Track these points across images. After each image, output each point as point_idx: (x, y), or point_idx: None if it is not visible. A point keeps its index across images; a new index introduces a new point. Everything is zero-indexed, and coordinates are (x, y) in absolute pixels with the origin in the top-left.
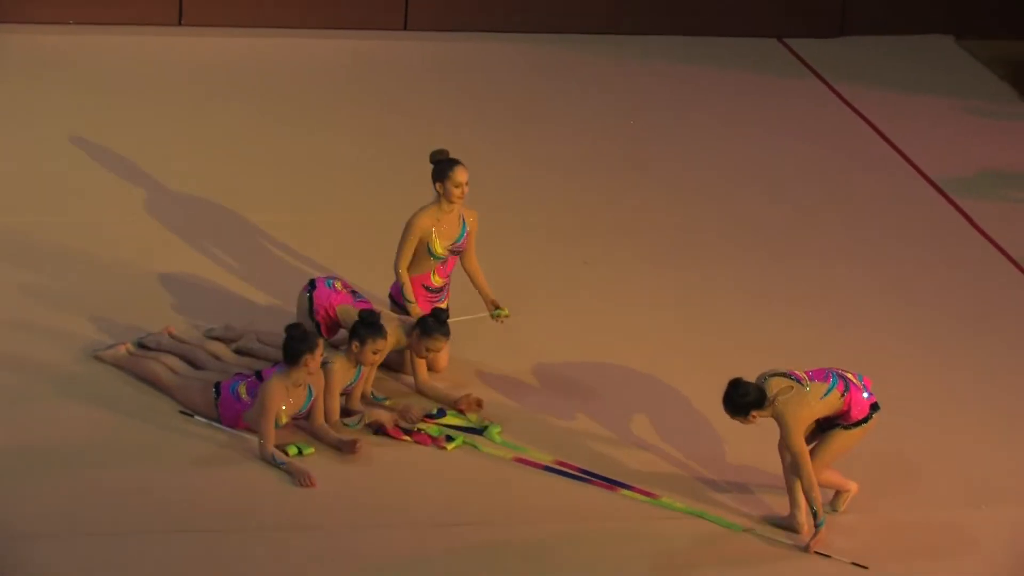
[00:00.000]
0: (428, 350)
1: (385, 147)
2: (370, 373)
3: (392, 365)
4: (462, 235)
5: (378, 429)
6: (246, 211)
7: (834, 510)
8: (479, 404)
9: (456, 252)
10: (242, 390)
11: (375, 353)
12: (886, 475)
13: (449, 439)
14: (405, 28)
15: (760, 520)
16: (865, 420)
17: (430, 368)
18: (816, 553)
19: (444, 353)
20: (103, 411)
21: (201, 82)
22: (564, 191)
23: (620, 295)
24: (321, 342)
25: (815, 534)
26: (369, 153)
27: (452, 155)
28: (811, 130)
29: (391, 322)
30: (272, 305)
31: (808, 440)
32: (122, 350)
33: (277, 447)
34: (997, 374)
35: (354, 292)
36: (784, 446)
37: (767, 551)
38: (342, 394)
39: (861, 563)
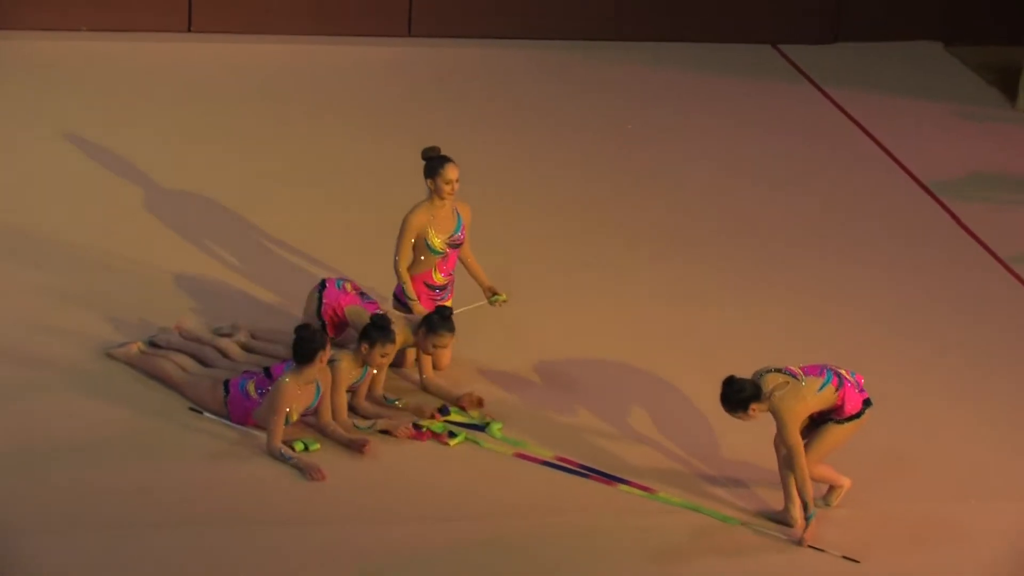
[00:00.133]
0: (435, 346)
1: (389, 150)
2: (379, 374)
3: (394, 361)
4: (458, 228)
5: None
6: (255, 213)
7: (827, 505)
8: (480, 402)
9: (455, 245)
10: (251, 388)
11: (383, 356)
12: (878, 469)
13: (452, 435)
14: (409, 35)
15: (755, 514)
16: (858, 415)
17: (433, 366)
18: (809, 547)
19: (447, 351)
20: (115, 407)
21: (210, 87)
22: (565, 192)
23: (619, 294)
24: (328, 339)
25: (806, 527)
26: (374, 156)
27: (453, 155)
28: (805, 133)
29: (398, 322)
30: (279, 304)
31: (802, 435)
32: (134, 348)
33: (284, 443)
34: (987, 370)
35: (363, 293)
36: (780, 441)
37: (761, 544)
38: (347, 391)
39: (853, 557)
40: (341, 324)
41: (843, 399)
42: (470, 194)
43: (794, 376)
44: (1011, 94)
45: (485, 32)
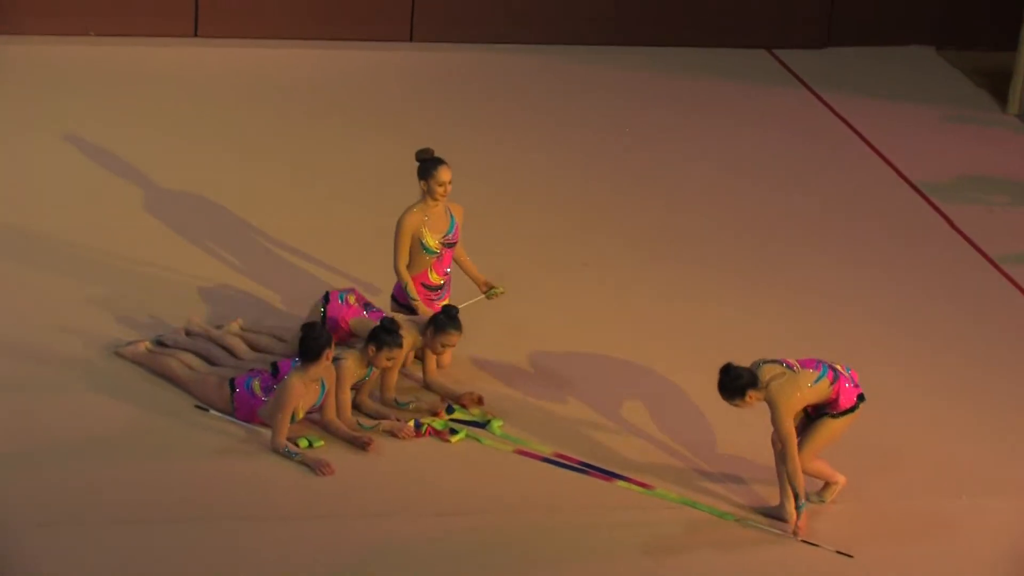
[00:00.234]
0: (443, 346)
1: (392, 154)
2: (390, 378)
3: None
4: (452, 227)
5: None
6: (261, 215)
7: (821, 501)
8: (480, 401)
9: (449, 245)
10: (256, 386)
11: (388, 360)
12: (872, 465)
13: (453, 432)
14: (411, 40)
15: (750, 509)
16: (852, 409)
17: (436, 364)
18: (803, 541)
19: (449, 350)
20: (123, 405)
21: (216, 91)
22: (564, 192)
23: (619, 293)
24: (333, 338)
25: (798, 516)
26: (378, 159)
27: (454, 157)
28: (799, 136)
29: (405, 325)
30: (285, 305)
31: (797, 430)
32: (141, 347)
33: (288, 439)
34: (980, 366)
35: (367, 304)
36: (775, 436)
37: (756, 538)
38: (351, 389)
39: (847, 552)
40: (346, 336)
41: (837, 393)
42: (471, 194)
43: (790, 367)
44: (1002, 98)
45: (487, 37)
